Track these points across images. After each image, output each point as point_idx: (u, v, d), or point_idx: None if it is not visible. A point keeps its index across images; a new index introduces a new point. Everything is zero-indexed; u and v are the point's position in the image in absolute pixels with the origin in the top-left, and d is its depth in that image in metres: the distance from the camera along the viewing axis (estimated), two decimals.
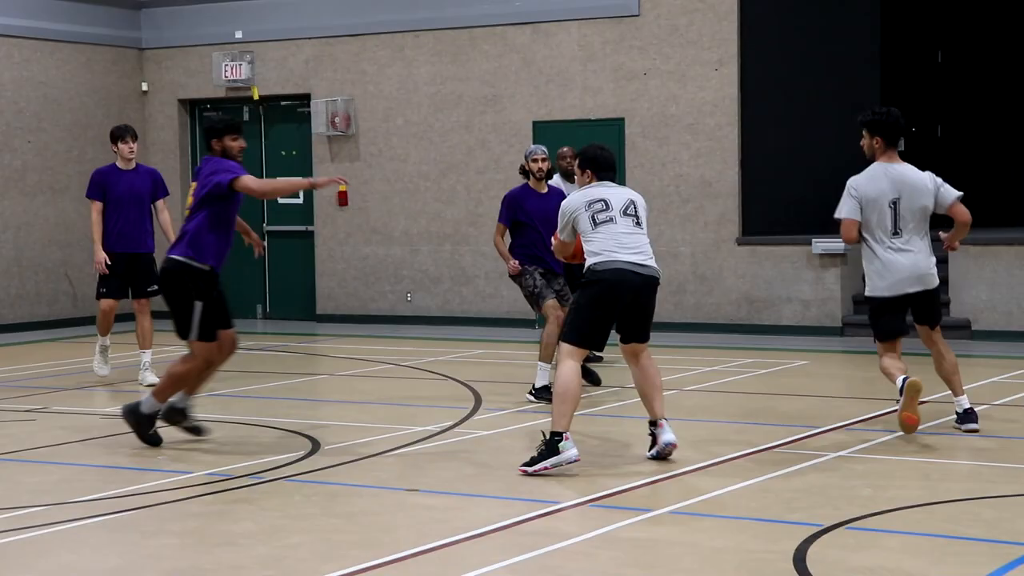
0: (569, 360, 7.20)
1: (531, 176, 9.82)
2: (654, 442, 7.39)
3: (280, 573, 5.48)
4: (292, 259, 16.21)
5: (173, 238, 10.93)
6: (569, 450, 7.07)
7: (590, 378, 9.86)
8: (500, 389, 10.26)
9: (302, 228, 16.15)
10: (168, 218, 11.03)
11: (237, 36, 16.23)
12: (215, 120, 8.26)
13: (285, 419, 9.00)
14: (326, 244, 15.88)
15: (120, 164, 10.82)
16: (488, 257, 14.52)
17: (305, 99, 15.98)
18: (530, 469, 7.08)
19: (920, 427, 8.12)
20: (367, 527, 6.21)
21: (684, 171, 14.20)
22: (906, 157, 14.76)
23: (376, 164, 15.67)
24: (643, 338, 7.43)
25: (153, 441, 8.07)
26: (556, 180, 10.76)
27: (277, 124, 16.42)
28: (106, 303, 10.74)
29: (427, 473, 7.29)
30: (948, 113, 17.39)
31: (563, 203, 7.56)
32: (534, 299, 9.72)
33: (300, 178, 8.00)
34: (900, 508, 6.29)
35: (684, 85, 14.14)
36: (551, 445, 7.08)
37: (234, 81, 16.10)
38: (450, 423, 8.77)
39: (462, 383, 10.59)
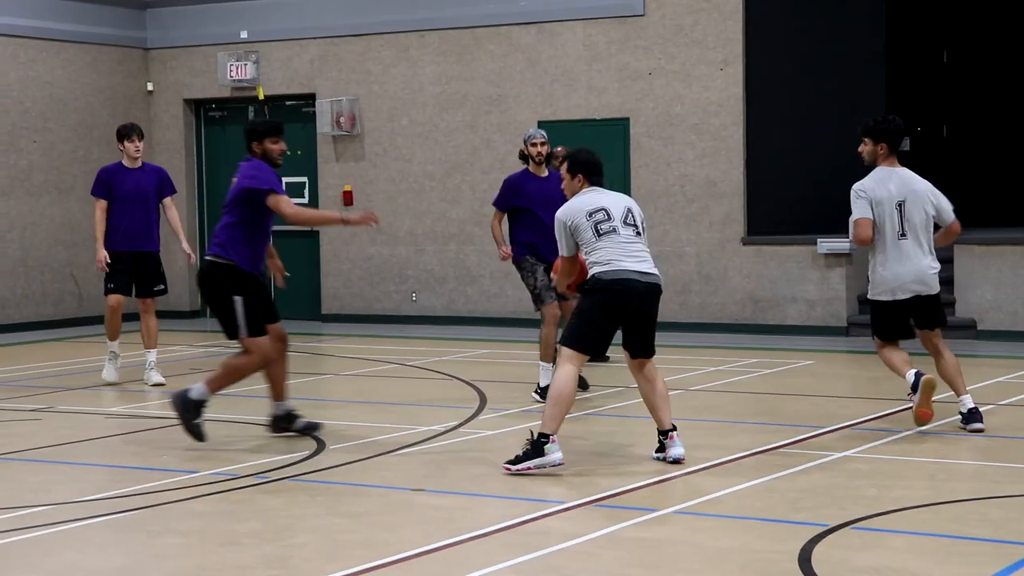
0: (568, 365, 7.19)
1: (530, 160, 9.83)
2: (662, 448, 7.39)
3: (285, 573, 5.48)
4: (297, 259, 16.19)
5: (182, 235, 11.00)
6: (554, 453, 7.08)
7: (579, 383, 9.72)
8: (505, 389, 10.26)
9: (307, 228, 16.15)
10: (176, 215, 11.03)
11: (242, 36, 16.24)
12: (256, 122, 8.20)
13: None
14: (331, 244, 15.89)
15: (126, 163, 10.83)
16: (493, 257, 14.51)
17: (310, 99, 15.98)
18: (513, 468, 7.10)
19: (922, 428, 8.18)
20: (372, 527, 6.21)
21: (689, 171, 14.19)
22: (912, 157, 14.86)
23: (381, 164, 15.67)
24: (650, 352, 7.41)
25: (197, 433, 7.87)
26: None
27: (282, 124, 16.39)
28: (113, 298, 10.73)
29: (432, 473, 7.29)
30: (954, 113, 17.38)
31: (559, 213, 7.41)
32: (534, 298, 9.73)
33: (334, 212, 7.87)
34: (906, 508, 6.28)
35: (689, 85, 14.13)
36: (537, 446, 7.10)
37: (239, 81, 16.11)
38: (455, 423, 8.77)
39: (467, 383, 10.59)
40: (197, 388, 7.90)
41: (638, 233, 7.40)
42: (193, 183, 16.80)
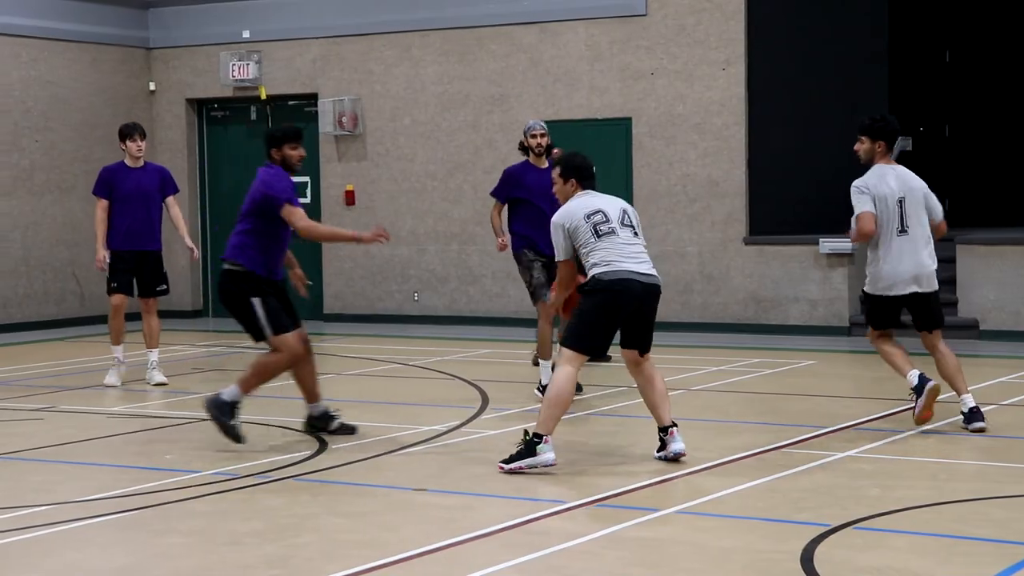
0: (568, 366, 7.19)
1: (530, 152, 9.81)
2: (663, 446, 7.39)
3: (287, 572, 5.48)
4: (299, 258, 16.06)
5: (188, 240, 10.99)
6: (547, 453, 7.10)
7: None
8: (507, 389, 10.25)
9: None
10: (179, 213, 11.01)
11: (244, 36, 16.25)
12: (275, 129, 8.19)
13: (292, 418, 9.00)
14: (333, 244, 15.88)
15: (128, 162, 10.82)
16: (495, 257, 14.51)
17: (312, 99, 15.98)
18: (507, 467, 7.11)
19: (927, 427, 8.21)
20: (374, 526, 6.21)
21: (691, 171, 14.19)
22: (914, 157, 14.84)
23: (383, 164, 15.67)
24: (646, 347, 7.40)
25: (234, 434, 7.80)
26: None
27: (284, 123, 16.40)
28: (117, 298, 10.71)
29: (434, 473, 7.29)
30: (956, 113, 17.37)
31: (556, 217, 7.38)
32: (530, 293, 9.72)
33: (346, 230, 7.91)
34: (908, 508, 6.28)
35: (691, 85, 14.13)
36: (530, 446, 7.11)
37: (241, 81, 16.11)
38: (457, 423, 8.77)
39: (469, 383, 10.59)
40: (230, 390, 7.86)
41: (635, 234, 7.40)
42: (195, 183, 16.80)
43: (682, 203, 14.22)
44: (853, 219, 8.22)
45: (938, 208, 8.37)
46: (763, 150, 14.14)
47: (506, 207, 10.02)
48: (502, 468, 7.12)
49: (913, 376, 8.18)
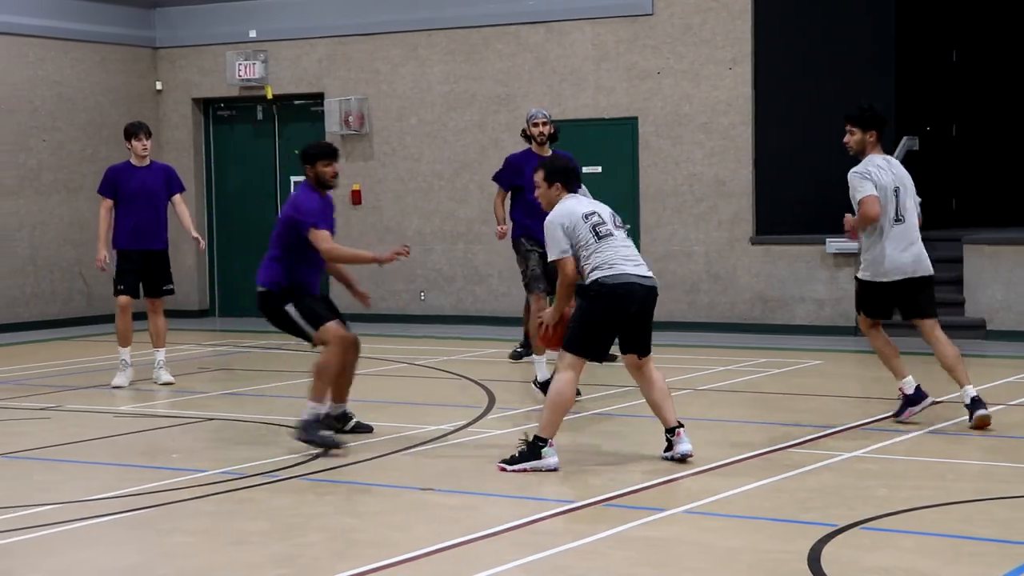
0: (570, 371, 7.17)
1: (533, 140, 9.79)
2: (670, 446, 7.38)
3: (294, 572, 5.49)
4: None
5: (193, 231, 10.98)
6: (551, 457, 7.11)
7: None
8: (513, 388, 10.25)
9: None
10: (186, 211, 10.99)
11: (251, 35, 16.26)
12: (309, 146, 8.16)
13: (299, 418, 9.00)
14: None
15: (134, 161, 10.82)
16: (502, 256, 14.51)
17: (319, 98, 16.00)
18: (508, 468, 7.11)
19: (933, 427, 8.23)
20: (381, 526, 6.21)
21: (698, 170, 14.18)
22: (921, 156, 14.82)
23: (389, 163, 15.68)
24: (646, 350, 7.39)
25: (332, 443, 7.74)
26: None
27: (291, 123, 16.45)
28: (123, 299, 10.70)
29: (441, 472, 7.29)
30: (963, 112, 17.34)
31: (554, 216, 7.29)
32: (524, 284, 9.67)
33: (368, 253, 7.93)
34: (915, 508, 6.27)
35: (698, 84, 14.12)
36: (534, 449, 7.12)
37: (248, 80, 16.13)
38: (464, 422, 8.77)
39: (476, 382, 10.59)
40: (306, 409, 7.80)
41: (627, 236, 7.40)
42: (202, 182, 16.82)
43: (688, 203, 14.21)
44: (856, 204, 8.25)
45: (918, 201, 8.52)
46: (770, 150, 14.13)
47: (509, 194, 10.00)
48: (503, 468, 7.12)
49: (910, 384, 8.35)
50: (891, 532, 5.93)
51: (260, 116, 16.57)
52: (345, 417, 8.24)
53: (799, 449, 7.75)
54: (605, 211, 7.40)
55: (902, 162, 13.85)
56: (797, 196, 14.45)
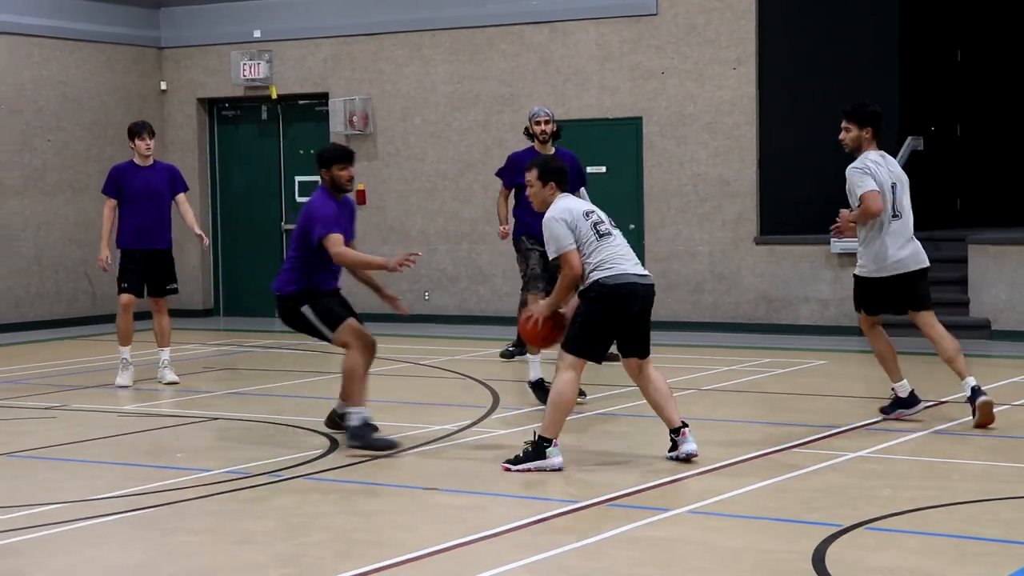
0: (571, 372, 7.16)
1: (535, 139, 9.79)
2: (675, 446, 7.38)
3: (298, 571, 5.49)
4: None
5: (197, 228, 10.98)
6: (555, 457, 7.12)
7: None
8: (517, 388, 10.25)
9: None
10: (190, 210, 10.98)
11: (255, 35, 16.28)
12: (324, 149, 8.12)
13: (303, 417, 9.02)
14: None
15: (137, 160, 10.82)
16: (506, 256, 14.50)
17: (323, 98, 16.01)
18: (513, 468, 7.11)
19: (937, 428, 8.25)
20: (385, 526, 6.22)
21: (702, 170, 14.18)
22: (926, 156, 14.80)
23: (394, 163, 15.69)
24: (646, 351, 7.38)
25: (386, 444, 7.69)
26: None
27: (295, 123, 16.46)
28: (126, 297, 10.70)
29: (445, 472, 7.29)
30: (967, 112, 17.32)
31: (555, 212, 7.25)
32: (524, 283, 9.62)
33: (377, 258, 7.87)
34: (919, 509, 6.27)
35: (702, 84, 14.12)
36: (539, 449, 7.12)
37: (252, 80, 16.14)
38: (468, 422, 8.77)
39: (480, 382, 10.59)
40: (351, 416, 7.76)
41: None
42: (206, 182, 16.83)
43: (693, 203, 14.21)
44: (854, 199, 8.28)
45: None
46: (774, 150, 14.13)
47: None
48: (508, 469, 7.13)
49: (904, 387, 8.43)
50: (896, 532, 5.93)
51: (265, 116, 16.58)
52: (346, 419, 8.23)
53: (803, 449, 7.75)
54: (600, 211, 7.41)
55: (906, 162, 13.95)
56: (801, 196, 14.45)
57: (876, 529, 5.95)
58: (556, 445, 7.16)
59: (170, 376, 10.72)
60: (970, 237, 13.34)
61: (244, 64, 16.09)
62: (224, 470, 7.37)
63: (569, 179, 7.56)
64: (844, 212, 8.41)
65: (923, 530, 5.96)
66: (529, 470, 7.10)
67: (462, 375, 11.18)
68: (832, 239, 13.54)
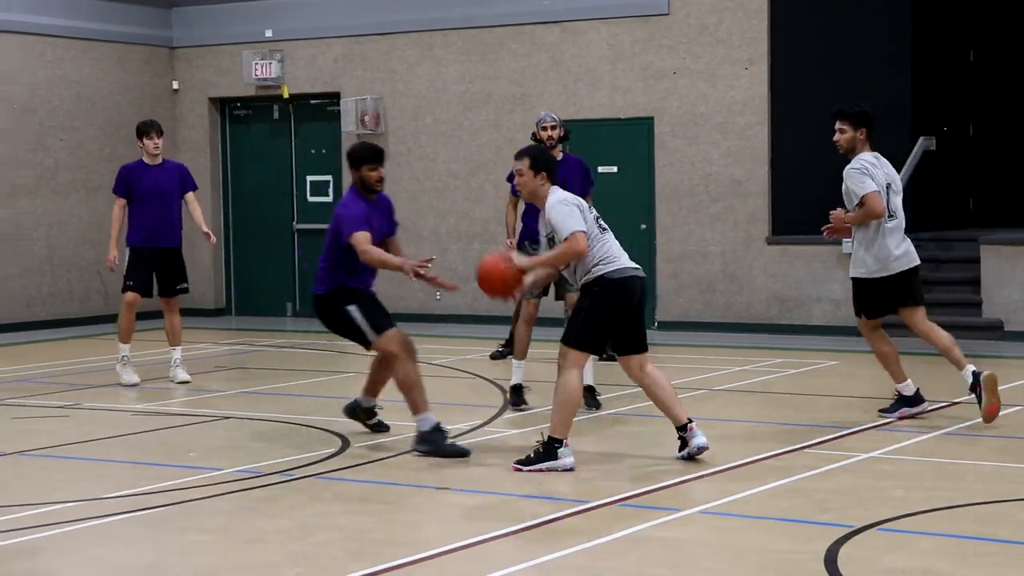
0: (575, 369, 7.15)
1: (542, 144, 9.76)
2: (684, 445, 7.37)
3: (310, 570, 5.50)
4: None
5: (204, 226, 10.96)
6: (567, 457, 7.12)
7: (594, 403, 9.30)
8: (529, 389, 10.24)
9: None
10: (198, 209, 10.97)
11: (267, 35, 16.30)
12: (354, 149, 8.07)
13: (315, 416, 9.03)
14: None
15: (146, 160, 10.83)
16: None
17: (335, 97, 16.02)
18: (524, 468, 7.11)
19: (950, 429, 8.22)
20: (397, 525, 6.22)
21: (714, 170, 14.16)
22: (938, 156, 14.75)
23: (405, 163, 15.69)
24: (644, 345, 7.37)
25: (458, 451, 7.61)
26: None
27: (307, 122, 16.48)
28: (130, 295, 10.70)
29: (457, 471, 7.29)
30: (980, 112, 17.26)
31: (566, 198, 7.21)
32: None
33: (395, 259, 7.80)
34: (932, 510, 6.26)
35: (714, 84, 14.10)
36: (549, 450, 7.12)
37: (264, 80, 16.16)
38: (479, 422, 8.78)
39: (491, 382, 10.59)
40: (419, 423, 7.69)
41: None
42: (218, 182, 16.86)
43: (704, 203, 14.19)
44: (852, 200, 8.37)
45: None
46: (786, 149, 14.10)
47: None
48: (519, 469, 7.13)
49: (909, 387, 8.49)
50: (908, 533, 5.91)
51: (276, 115, 16.60)
52: (371, 412, 8.24)
53: (815, 450, 7.73)
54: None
55: (918, 163, 13.90)
56: (813, 196, 14.36)
57: (888, 530, 5.93)
58: (567, 445, 7.16)
59: (182, 375, 10.73)
60: (983, 237, 13.30)
61: (256, 64, 16.12)
62: (236, 469, 7.38)
63: (579, 184, 7.55)
64: (837, 213, 8.52)
65: (935, 531, 5.94)
66: (540, 470, 7.09)
67: (473, 375, 11.18)
68: (844, 240, 13.51)
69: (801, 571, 5.35)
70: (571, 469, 7.11)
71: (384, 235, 7.98)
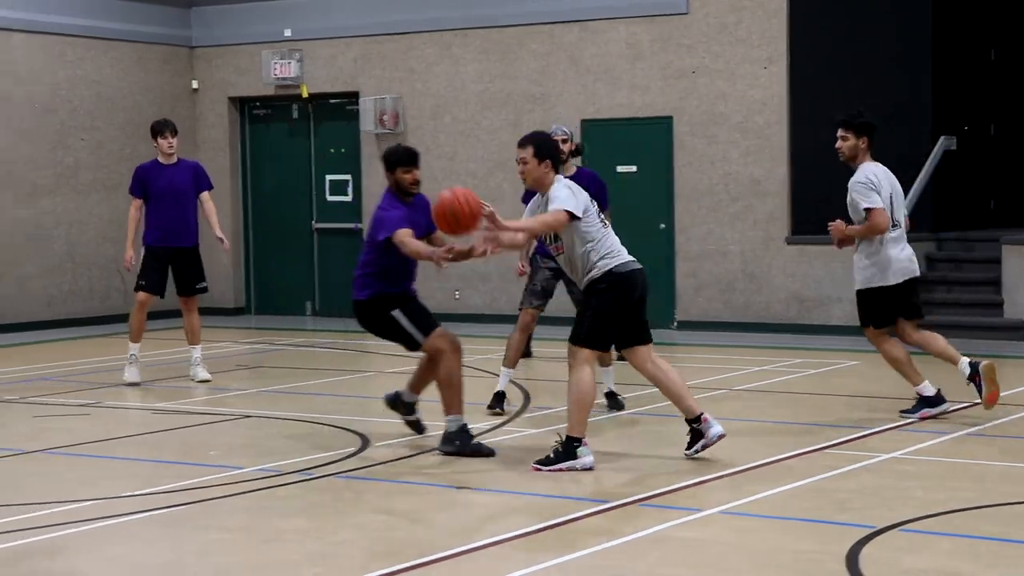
0: (587, 366, 7.14)
1: None
2: (693, 440, 7.33)
3: (329, 569, 5.50)
4: (341, 257, 16.26)
5: (218, 231, 10.96)
6: (587, 456, 7.12)
7: (616, 403, 9.26)
8: (548, 388, 10.24)
9: (350, 226, 16.21)
10: (212, 209, 10.96)
11: (286, 34, 16.33)
12: (389, 151, 8.03)
13: (335, 416, 9.04)
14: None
15: (161, 159, 10.84)
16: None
17: (354, 97, 16.04)
18: (544, 468, 7.09)
19: (972, 430, 8.20)
20: (416, 524, 6.22)
21: (733, 169, 14.13)
22: (959, 156, 14.67)
23: (424, 162, 15.46)
24: (649, 336, 7.37)
25: (483, 451, 7.61)
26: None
27: (326, 122, 16.50)
28: (142, 295, 10.72)
29: (476, 472, 7.29)
30: (1001, 111, 17.17)
31: (567, 183, 7.22)
32: (523, 294, 9.54)
33: (428, 249, 7.73)
34: (954, 510, 6.22)
35: (733, 83, 14.07)
36: (569, 449, 7.11)
37: (283, 79, 16.19)
38: (499, 421, 8.77)
39: (511, 381, 10.57)
40: (448, 423, 7.69)
41: None
42: (238, 181, 16.90)
43: (724, 202, 14.16)
44: (857, 213, 8.50)
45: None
46: (805, 149, 14.05)
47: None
48: (539, 469, 7.12)
49: (928, 387, 8.51)
50: (930, 534, 5.88)
51: (295, 115, 16.63)
52: (411, 408, 8.15)
53: (836, 450, 7.70)
54: None
55: (939, 162, 13.83)
56: (833, 196, 14.31)
57: (910, 531, 5.90)
58: (586, 444, 7.15)
59: (203, 374, 10.76)
60: (1004, 238, 13.23)
61: (275, 63, 16.15)
62: (256, 468, 7.39)
63: (592, 196, 7.52)
64: (837, 224, 8.64)
65: (958, 532, 5.91)
66: (561, 470, 7.08)
67: (493, 374, 11.16)
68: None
69: (822, 571, 5.33)
70: (591, 468, 7.11)
71: (426, 234, 7.92)
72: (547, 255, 9.10)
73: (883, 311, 8.57)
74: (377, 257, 7.80)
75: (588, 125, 14.73)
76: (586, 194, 7.30)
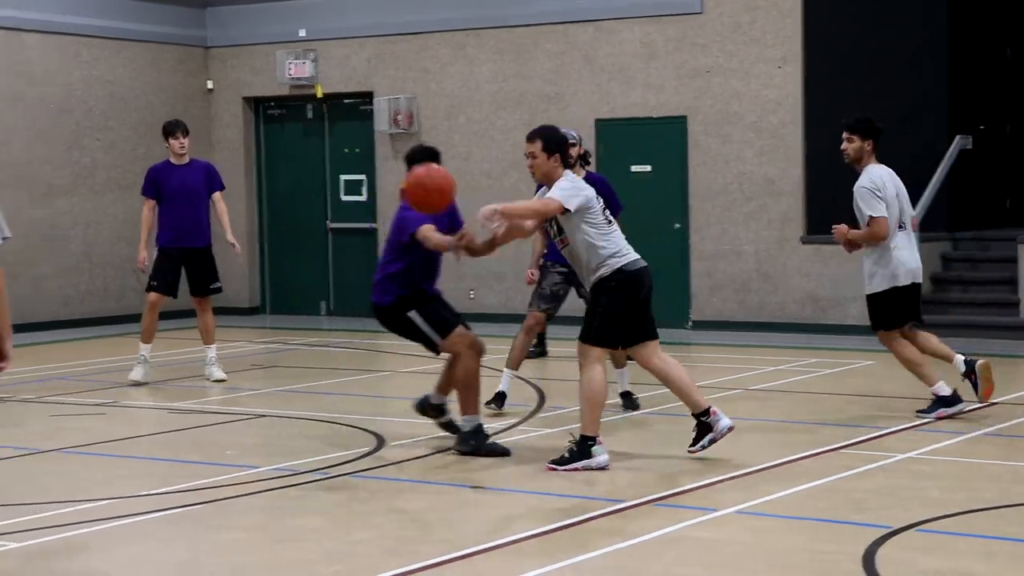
0: (598, 365, 7.15)
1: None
2: (699, 435, 7.31)
3: (345, 569, 5.51)
4: (355, 256, 16.31)
5: (230, 234, 10.96)
6: (602, 455, 7.12)
7: (631, 403, 9.25)
8: (563, 387, 10.24)
9: (365, 226, 16.23)
10: (224, 209, 10.95)
11: (300, 34, 16.36)
12: (411, 151, 8.03)
13: (350, 415, 9.05)
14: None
15: (173, 160, 10.86)
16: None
17: (368, 97, 16.06)
18: (560, 468, 7.09)
19: (989, 430, 8.17)
20: (432, 524, 6.23)
21: (747, 169, 14.10)
22: (975, 155, 14.63)
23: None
24: (655, 331, 7.39)
25: (498, 450, 7.61)
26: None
27: (340, 122, 16.52)
28: (153, 296, 10.73)
29: (491, 471, 7.29)
30: (1017, 110, 17.11)
31: (577, 182, 7.21)
32: (531, 296, 9.54)
33: (445, 240, 7.73)
34: (971, 511, 6.21)
35: (747, 83, 14.05)
36: (583, 448, 7.11)
37: (298, 79, 16.22)
38: (514, 421, 8.77)
39: (526, 381, 10.58)
40: (463, 423, 7.69)
41: None
42: (252, 181, 16.93)
43: (738, 201, 14.14)
44: (863, 217, 8.51)
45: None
46: (820, 149, 14.01)
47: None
48: (554, 469, 7.12)
49: (944, 387, 8.51)
50: (946, 535, 5.87)
51: (310, 115, 16.65)
52: (441, 410, 8.10)
53: (852, 450, 7.69)
54: None
55: (955, 161, 13.79)
56: (847, 195, 14.29)
57: (926, 531, 5.89)
58: (600, 443, 7.14)
59: (218, 374, 10.78)
60: (1020, 237, 13.19)
61: (289, 63, 16.18)
62: (272, 467, 7.40)
63: (602, 197, 7.51)
64: (840, 228, 8.65)
65: (974, 532, 5.89)
66: (576, 470, 7.08)
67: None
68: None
69: (838, 572, 5.32)
70: (606, 467, 7.10)
71: (452, 227, 7.91)
72: (558, 260, 9.09)
73: (894, 313, 8.60)
74: (400, 257, 7.80)
75: (602, 125, 14.71)
76: (592, 190, 7.30)
